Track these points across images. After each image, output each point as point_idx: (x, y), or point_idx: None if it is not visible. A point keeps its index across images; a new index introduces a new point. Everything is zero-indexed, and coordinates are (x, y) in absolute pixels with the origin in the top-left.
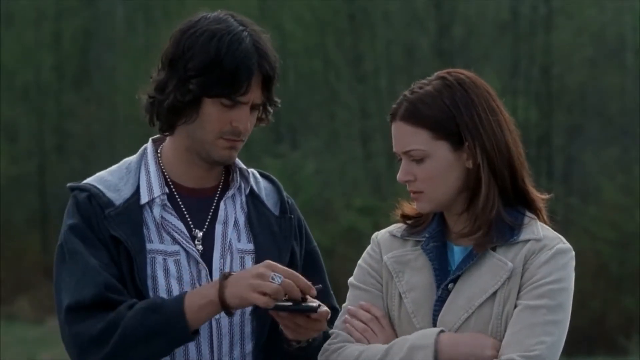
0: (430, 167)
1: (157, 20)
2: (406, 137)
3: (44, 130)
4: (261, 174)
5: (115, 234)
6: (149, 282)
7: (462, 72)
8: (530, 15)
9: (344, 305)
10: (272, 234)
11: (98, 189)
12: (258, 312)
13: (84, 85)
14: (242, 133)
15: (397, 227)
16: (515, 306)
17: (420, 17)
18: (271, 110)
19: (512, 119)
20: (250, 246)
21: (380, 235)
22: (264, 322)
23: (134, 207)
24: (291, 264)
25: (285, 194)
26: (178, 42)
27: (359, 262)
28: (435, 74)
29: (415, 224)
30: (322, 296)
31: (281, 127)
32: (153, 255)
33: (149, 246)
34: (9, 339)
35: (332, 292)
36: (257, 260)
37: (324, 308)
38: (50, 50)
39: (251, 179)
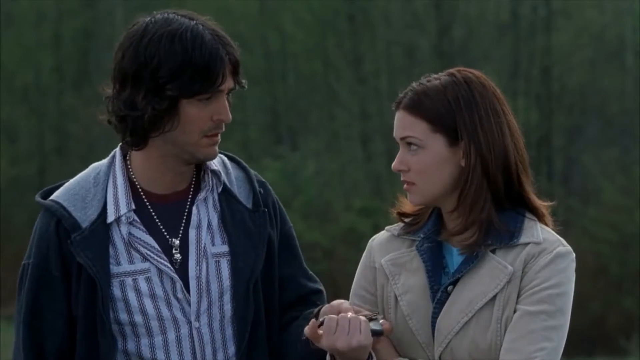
0: (424, 159)
1: None
2: (405, 124)
3: (44, 131)
4: (230, 159)
5: (80, 260)
6: (121, 304)
7: (472, 72)
8: (531, 16)
9: None
10: (246, 231)
11: (65, 209)
12: (238, 314)
13: (83, 86)
14: (224, 123)
15: (395, 225)
16: (515, 310)
17: (421, 18)
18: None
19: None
20: (225, 248)
21: (377, 239)
22: (245, 325)
23: (100, 229)
24: (269, 255)
25: (256, 180)
26: (136, 53)
27: (357, 269)
28: (447, 71)
29: (412, 222)
30: (300, 280)
31: (281, 128)
32: (122, 279)
33: (117, 269)
34: (9, 339)
35: (310, 273)
36: (233, 262)
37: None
38: (50, 51)
39: (223, 174)
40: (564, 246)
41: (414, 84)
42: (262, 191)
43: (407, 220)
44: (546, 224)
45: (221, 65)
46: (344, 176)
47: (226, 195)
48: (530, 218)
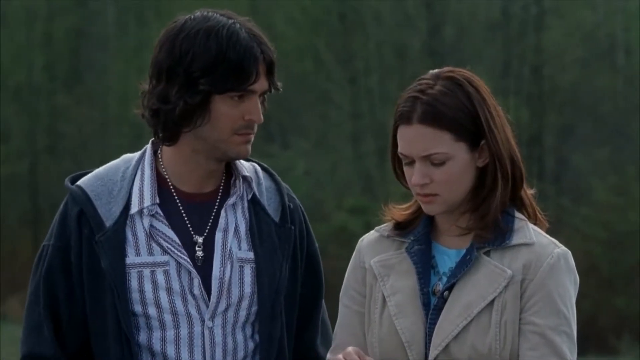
0: (450, 170)
1: (149, 20)
2: (427, 140)
3: (36, 131)
4: (263, 169)
5: (103, 265)
6: (136, 295)
7: (463, 71)
8: (522, 15)
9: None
10: (272, 244)
11: (91, 203)
12: (264, 333)
13: (75, 86)
14: (255, 124)
15: (385, 225)
16: (521, 319)
17: (412, 17)
18: (265, 97)
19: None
20: (251, 255)
21: (366, 239)
22: (271, 342)
23: (122, 228)
24: (293, 273)
25: (286, 195)
26: (171, 48)
27: (347, 270)
28: (433, 73)
29: (404, 226)
30: (313, 309)
31: (272, 127)
32: (140, 269)
33: (136, 259)
34: (7, 337)
35: (323, 304)
36: (257, 270)
37: None
38: (42, 51)
39: (254, 183)
40: (559, 246)
41: (416, 94)
42: (291, 206)
43: (403, 227)
44: (541, 223)
45: (255, 63)
46: (335, 175)
47: (255, 205)
48: (519, 218)
